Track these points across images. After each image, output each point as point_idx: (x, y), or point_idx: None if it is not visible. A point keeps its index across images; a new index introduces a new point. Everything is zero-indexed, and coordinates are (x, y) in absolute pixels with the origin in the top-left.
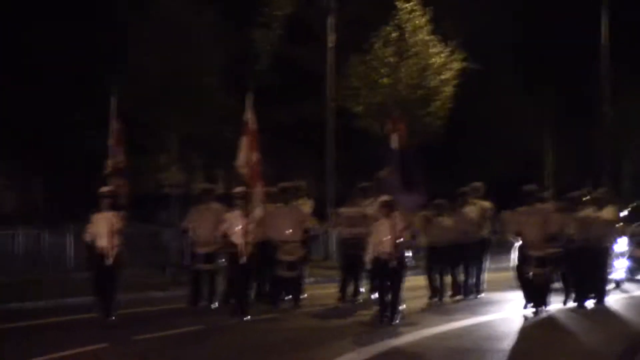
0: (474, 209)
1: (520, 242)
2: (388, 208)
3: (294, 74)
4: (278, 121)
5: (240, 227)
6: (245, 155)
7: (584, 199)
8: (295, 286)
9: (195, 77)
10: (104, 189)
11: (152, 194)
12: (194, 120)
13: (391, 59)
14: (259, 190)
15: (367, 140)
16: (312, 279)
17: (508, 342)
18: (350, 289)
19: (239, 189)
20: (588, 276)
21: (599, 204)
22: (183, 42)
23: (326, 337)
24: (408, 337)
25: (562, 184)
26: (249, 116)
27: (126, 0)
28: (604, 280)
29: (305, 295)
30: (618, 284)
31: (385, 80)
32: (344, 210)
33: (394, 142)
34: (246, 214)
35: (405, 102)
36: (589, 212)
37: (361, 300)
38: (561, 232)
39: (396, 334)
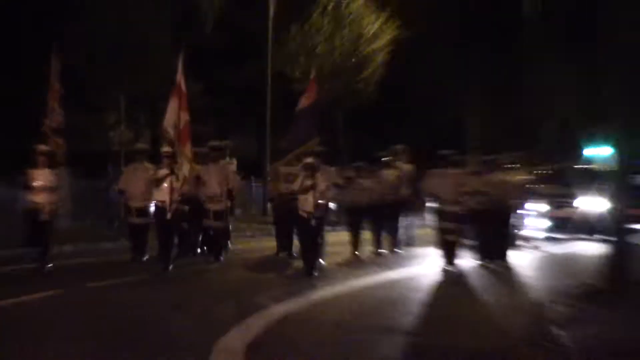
0: (393, 171)
1: (435, 204)
2: (311, 169)
3: (237, 38)
4: (221, 82)
5: (166, 185)
6: (175, 116)
7: (498, 162)
8: (223, 235)
9: (143, 38)
10: (41, 147)
11: (103, 151)
12: (141, 80)
13: (326, 28)
14: (187, 149)
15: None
16: (249, 233)
17: (430, 293)
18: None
19: (166, 149)
20: (499, 235)
21: (511, 167)
22: (131, 2)
23: (259, 288)
24: (340, 288)
25: (488, 148)
26: (180, 77)
27: None
28: (511, 239)
29: (230, 246)
30: (535, 242)
31: (321, 47)
32: (282, 167)
33: (305, 104)
34: (172, 172)
35: (340, 69)
36: (499, 175)
37: (295, 255)
38: (474, 194)
39: (325, 285)
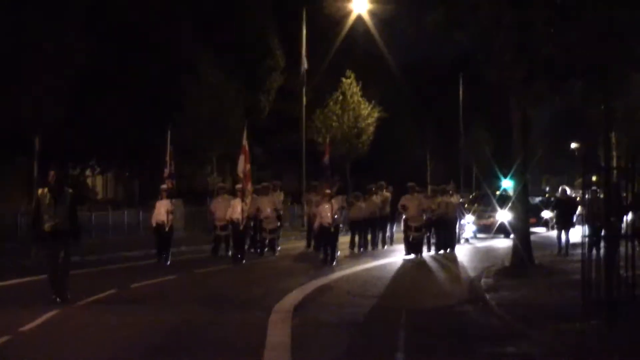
0: (378, 197)
1: (404, 216)
2: (329, 196)
3: (283, 118)
4: (274, 145)
5: (239, 209)
6: (242, 166)
7: (443, 190)
8: (274, 243)
9: (225, 119)
10: (162, 186)
11: (204, 189)
12: (224, 145)
13: (338, 112)
14: (250, 187)
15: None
16: (293, 237)
17: (403, 273)
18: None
19: (238, 186)
20: (444, 236)
21: (450, 194)
22: (219, 99)
23: (297, 272)
24: (347, 271)
25: (437, 182)
26: (244, 142)
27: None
28: (454, 238)
29: (279, 248)
30: (468, 240)
31: (334, 124)
32: (313, 195)
33: (326, 159)
34: (242, 200)
35: (346, 136)
36: (444, 198)
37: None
38: (428, 210)
39: (339, 269)
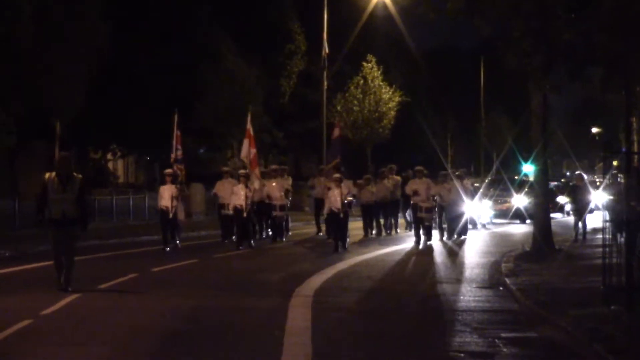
0: (389, 181)
1: (413, 202)
2: (339, 181)
3: (303, 103)
4: (293, 130)
5: (242, 195)
6: (246, 150)
7: (456, 174)
8: (285, 223)
9: (245, 105)
10: (167, 170)
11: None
12: (244, 131)
13: (359, 96)
14: (256, 171)
15: (345, 142)
16: (301, 223)
17: (418, 259)
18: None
19: (242, 171)
20: (455, 221)
21: (462, 178)
22: (239, 84)
23: (313, 257)
24: (365, 256)
25: (457, 167)
26: (249, 127)
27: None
28: (465, 223)
29: (290, 233)
30: (484, 225)
31: (355, 108)
32: (323, 179)
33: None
34: (246, 185)
35: (367, 121)
36: (454, 183)
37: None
38: (437, 194)
39: (356, 254)
